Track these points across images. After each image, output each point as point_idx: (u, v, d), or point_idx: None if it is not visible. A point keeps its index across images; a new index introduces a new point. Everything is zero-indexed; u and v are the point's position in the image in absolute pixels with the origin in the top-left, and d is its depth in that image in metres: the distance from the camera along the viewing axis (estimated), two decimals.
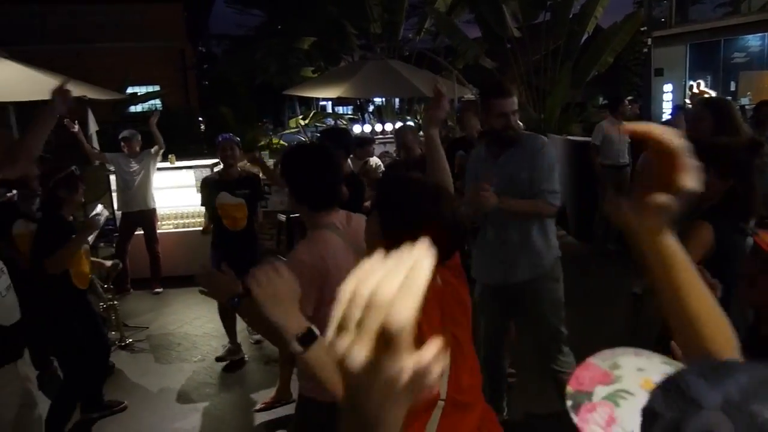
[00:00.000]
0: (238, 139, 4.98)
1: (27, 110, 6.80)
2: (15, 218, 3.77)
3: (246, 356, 4.83)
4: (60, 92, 2.50)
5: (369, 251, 1.59)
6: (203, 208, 6.82)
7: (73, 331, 3.47)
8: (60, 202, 3.49)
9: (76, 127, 5.88)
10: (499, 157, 2.98)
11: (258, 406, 4.01)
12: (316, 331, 1.34)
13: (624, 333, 4.95)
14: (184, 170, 6.90)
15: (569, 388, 0.79)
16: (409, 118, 10.72)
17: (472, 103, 5.12)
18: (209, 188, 4.82)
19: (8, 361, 2.42)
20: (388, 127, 8.55)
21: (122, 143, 6.25)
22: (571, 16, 9.83)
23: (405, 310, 0.50)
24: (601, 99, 13.44)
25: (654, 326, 4.66)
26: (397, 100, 13.18)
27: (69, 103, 2.55)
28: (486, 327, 3.24)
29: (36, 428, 2.65)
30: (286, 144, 10.50)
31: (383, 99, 13.21)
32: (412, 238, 1.42)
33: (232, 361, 4.73)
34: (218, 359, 4.74)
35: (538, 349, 3.30)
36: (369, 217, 1.60)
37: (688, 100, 9.21)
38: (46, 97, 5.78)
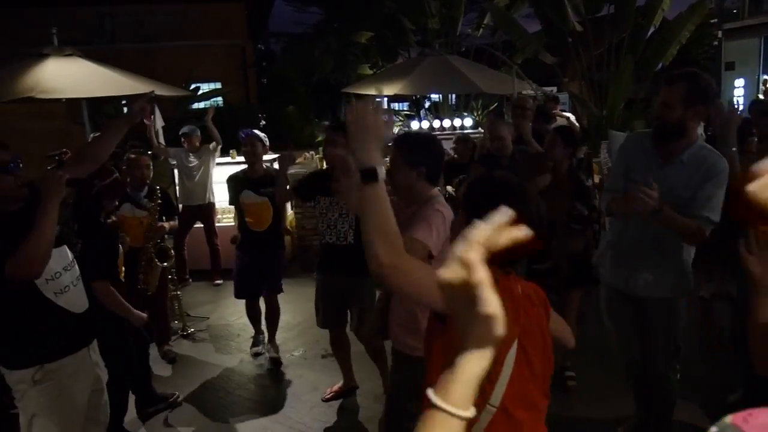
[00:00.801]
0: (264, 135, 4.87)
1: (98, 106, 7.11)
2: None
3: (302, 350, 4.90)
4: (140, 104, 2.65)
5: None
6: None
7: (114, 321, 3.50)
8: (101, 209, 3.45)
9: (153, 121, 6.13)
10: (667, 159, 2.67)
11: (326, 396, 4.07)
12: (381, 173, 1.42)
13: (692, 336, 4.75)
14: (244, 165, 7.03)
15: (730, 419, 0.69)
16: (466, 114, 10.61)
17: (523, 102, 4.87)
18: (234, 186, 4.72)
19: (80, 347, 2.53)
20: (446, 123, 8.48)
21: (182, 139, 6.44)
22: (636, 7, 9.50)
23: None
24: None
25: (723, 331, 4.48)
26: (453, 96, 13.07)
27: (145, 113, 2.68)
28: (617, 332, 3.09)
29: (104, 412, 2.77)
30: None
31: (440, 95, 13.12)
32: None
33: (291, 355, 4.81)
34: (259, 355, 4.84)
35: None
36: (456, 218, 1.59)
37: (762, 96, 8.74)
38: (116, 93, 5.99)
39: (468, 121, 8.81)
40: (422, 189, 2.39)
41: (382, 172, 1.43)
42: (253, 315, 4.79)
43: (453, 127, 8.43)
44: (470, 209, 1.57)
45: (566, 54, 9.97)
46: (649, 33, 9.76)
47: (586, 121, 9.23)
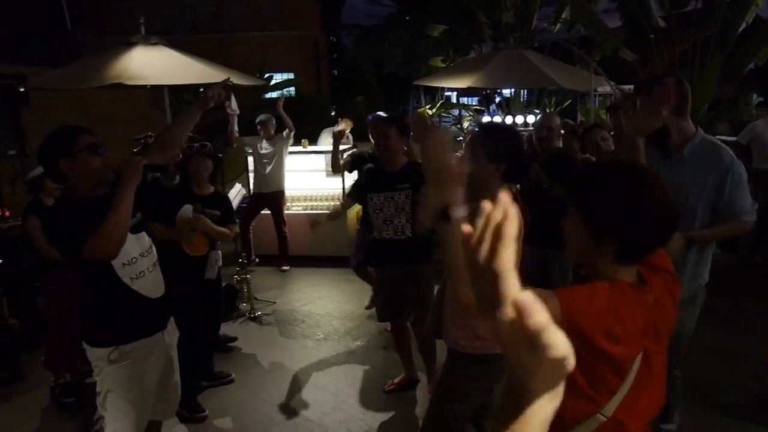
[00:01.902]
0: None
1: (178, 93, 7.37)
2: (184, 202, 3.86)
3: (365, 340, 4.94)
4: (215, 90, 2.70)
5: (583, 263, 1.53)
6: (332, 192, 7.09)
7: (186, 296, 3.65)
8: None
9: (235, 111, 6.34)
10: (668, 156, 2.68)
11: (387, 387, 4.10)
12: (454, 213, 1.36)
13: None
14: (315, 155, 7.17)
15: None
16: (538, 111, 10.38)
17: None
18: (361, 164, 4.85)
19: (155, 331, 2.63)
20: (518, 119, 8.31)
21: (258, 126, 6.63)
22: (726, 3, 8.98)
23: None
24: (755, 96, 12.20)
25: None
26: (525, 92, 12.79)
27: (219, 99, 2.72)
28: None
29: (174, 392, 2.87)
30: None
31: (511, 90, 12.88)
32: (628, 233, 1.36)
33: (353, 344, 4.86)
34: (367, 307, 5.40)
35: None
36: (566, 222, 1.48)
37: None
38: (196, 81, 6.16)
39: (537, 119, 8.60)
40: (496, 187, 2.33)
41: (458, 213, 1.37)
42: (366, 275, 5.29)
43: (525, 124, 8.26)
44: (585, 204, 1.43)
45: (648, 51, 9.55)
46: (740, 30, 9.21)
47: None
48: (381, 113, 5.05)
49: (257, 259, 6.78)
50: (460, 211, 1.37)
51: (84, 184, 2.41)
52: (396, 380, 4.13)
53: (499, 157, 2.28)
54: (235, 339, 4.92)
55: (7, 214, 4.99)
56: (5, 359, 4.59)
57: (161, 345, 2.67)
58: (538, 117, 5.23)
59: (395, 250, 3.73)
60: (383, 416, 3.81)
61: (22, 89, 5.99)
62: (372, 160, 4.68)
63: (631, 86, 10.20)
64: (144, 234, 2.61)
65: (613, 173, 1.44)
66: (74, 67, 6.07)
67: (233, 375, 4.29)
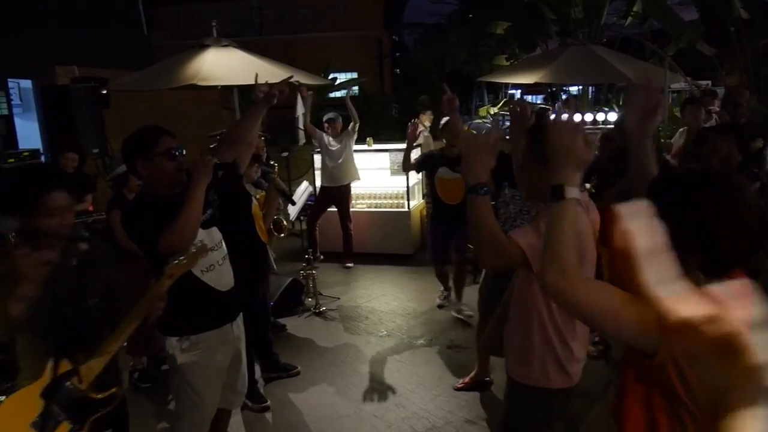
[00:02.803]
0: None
1: (246, 92, 7.58)
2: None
3: (429, 339, 4.94)
4: (278, 87, 2.77)
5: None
6: (397, 190, 7.13)
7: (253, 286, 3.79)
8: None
9: (301, 107, 6.54)
10: None
11: (458, 385, 4.11)
12: (568, 193, 1.41)
13: None
14: (380, 153, 7.22)
15: None
16: (606, 108, 10.05)
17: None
18: (432, 163, 5.14)
19: (225, 323, 2.72)
20: (588, 117, 8.08)
21: (326, 124, 6.76)
22: None
23: None
24: None
25: None
26: (591, 89, 12.43)
27: (283, 96, 2.79)
28: None
29: (242, 382, 2.96)
30: (474, 132, 10.44)
31: (579, 88, 12.54)
32: (714, 245, 1.28)
33: (417, 342, 4.88)
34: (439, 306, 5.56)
35: None
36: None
37: None
38: (264, 81, 6.30)
39: (612, 116, 8.32)
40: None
41: (570, 192, 1.40)
42: (441, 274, 5.44)
43: (595, 122, 8.02)
44: (670, 213, 1.31)
45: (727, 44, 9.10)
46: None
47: (744, 119, 8.38)
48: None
49: (322, 256, 6.90)
50: (574, 192, 1.39)
51: (158, 184, 2.52)
52: (466, 379, 4.14)
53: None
54: (284, 327, 5.15)
55: (90, 208, 5.27)
56: None
57: (230, 336, 2.76)
58: (620, 118, 5.03)
59: None
60: (446, 414, 3.80)
61: (104, 91, 6.33)
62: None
63: (708, 82, 9.77)
64: (215, 229, 2.70)
65: (701, 180, 1.36)
66: (151, 70, 6.35)
67: (299, 368, 4.38)
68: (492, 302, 3.91)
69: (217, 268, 2.64)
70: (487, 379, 4.10)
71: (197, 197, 2.42)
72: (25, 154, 5.93)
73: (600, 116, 8.24)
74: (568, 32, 11.67)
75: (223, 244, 2.74)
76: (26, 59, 7.45)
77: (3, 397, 2.14)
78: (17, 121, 7.36)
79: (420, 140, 6.89)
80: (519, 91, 17.67)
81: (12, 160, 5.80)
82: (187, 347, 2.58)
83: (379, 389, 4.15)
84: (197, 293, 2.58)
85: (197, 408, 2.65)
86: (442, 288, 5.58)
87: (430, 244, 5.43)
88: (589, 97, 12.42)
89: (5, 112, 6.97)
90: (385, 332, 5.11)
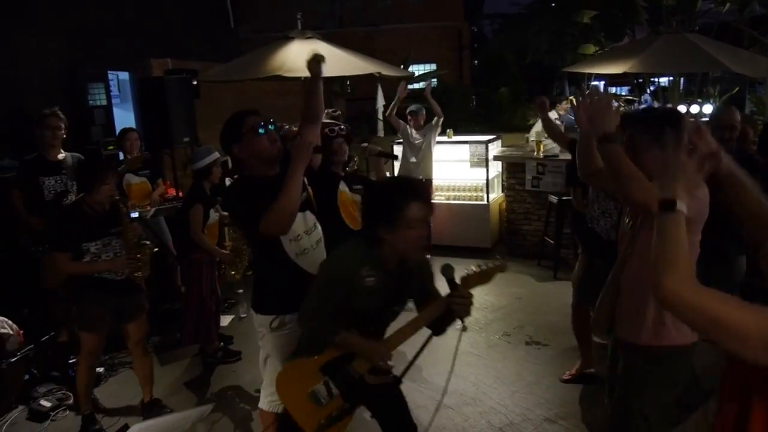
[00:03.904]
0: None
1: (327, 84, 7.70)
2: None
3: (506, 334, 4.87)
4: (312, 65, 2.75)
5: None
6: (476, 183, 7.04)
7: None
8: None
9: (405, 92, 6.57)
10: None
11: (564, 377, 4.08)
12: (680, 208, 1.40)
13: None
14: (459, 145, 7.15)
15: None
16: (700, 100, 9.49)
17: None
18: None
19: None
20: (680, 109, 7.65)
21: (408, 117, 6.73)
22: None
23: None
24: None
25: None
26: (683, 79, 11.76)
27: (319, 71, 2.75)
28: None
29: None
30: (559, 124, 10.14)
31: (669, 78, 11.90)
32: None
33: (495, 337, 4.81)
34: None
35: None
36: None
37: None
38: (348, 73, 6.30)
39: (708, 108, 7.85)
40: None
41: (682, 207, 1.39)
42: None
43: (688, 114, 7.59)
44: None
45: None
46: None
47: None
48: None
49: None
50: (683, 206, 1.38)
51: (256, 164, 2.56)
52: (572, 371, 4.10)
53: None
54: None
55: (180, 194, 5.53)
56: (177, 324, 5.12)
57: None
58: (715, 111, 4.64)
59: (601, 244, 3.66)
60: (524, 411, 3.74)
61: (194, 83, 6.59)
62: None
63: None
64: (309, 212, 2.74)
65: None
66: (240, 61, 6.57)
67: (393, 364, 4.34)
68: (586, 291, 3.85)
69: (310, 252, 2.68)
70: (592, 370, 4.03)
71: (296, 179, 2.45)
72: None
73: (694, 108, 7.78)
74: (660, 20, 11.08)
75: (318, 227, 2.78)
76: (124, 53, 7.87)
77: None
78: (115, 110, 7.82)
79: (538, 127, 6.73)
80: (603, 82, 17.01)
81: (111, 147, 6.15)
82: (277, 325, 2.64)
83: (455, 383, 4.11)
84: (290, 275, 2.62)
85: None
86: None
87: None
88: (681, 88, 11.77)
89: (104, 102, 7.40)
90: (462, 325, 5.05)
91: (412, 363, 2.41)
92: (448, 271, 2.25)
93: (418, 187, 2.29)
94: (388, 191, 2.24)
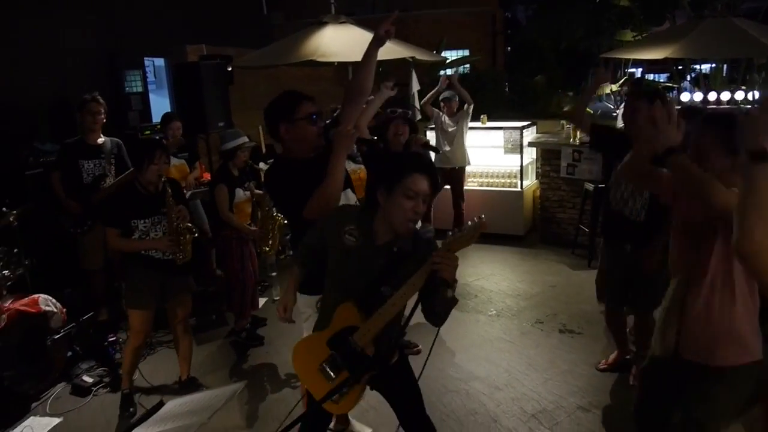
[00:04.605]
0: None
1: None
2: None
3: (540, 321, 4.82)
4: (384, 27, 2.71)
5: None
6: (510, 169, 6.98)
7: None
8: None
9: (416, 87, 6.58)
10: None
11: (600, 366, 4.05)
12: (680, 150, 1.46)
13: None
14: (493, 131, 7.07)
15: None
16: (744, 87, 9.17)
17: None
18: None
19: None
20: (724, 96, 7.40)
21: (442, 104, 6.67)
22: None
23: None
24: None
25: None
26: (726, 66, 11.37)
27: (389, 34, 2.72)
28: None
29: None
30: (591, 111, 9.94)
31: (711, 65, 11.53)
32: None
33: (528, 324, 4.77)
34: None
35: None
36: None
37: None
38: (381, 58, 6.34)
39: (753, 96, 7.57)
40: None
41: None
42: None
43: (733, 101, 7.34)
44: None
45: None
46: None
47: None
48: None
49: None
50: None
51: (299, 148, 2.63)
52: (609, 359, 4.07)
53: (735, 147, 2.13)
54: None
55: (205, 175, 5.61)
56: (213, 306, 5.22)
57: None
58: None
59: (626, 226, 3.59)
60: (557, 399, 3.71)
61: (229, 68, 6.64)
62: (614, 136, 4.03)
63: None
64: (349, 191, 2.78)
65: None
66: (274, 46, 6.59)
67: (419, 346, 4.25)
68: (615, 295, 3.81)
69: None
70: (628, 357, 4.01)
71: (339, 167, 2.50)
72: (159, 126, 6.38)
73: (738, 95, 7.53)
74: (703, 3, 10.73)
75: (358, 205, 2.81)
76: (160, 40, 7.99)
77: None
78: (151, 96, 7.96)
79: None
80: (641, 69, 16.57)
81: (148, 131, 6.27)
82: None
83: (488, 369, 4.11)
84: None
85: None
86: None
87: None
88: (724, 74, 11.39)
89: (141, 89, 7.54)
90: (495, 312, 5.04)
91: (433, 344, 2.43)
92: (426, 231, 2.24)
93: (428, 163, 2.29)
94: (397, 159, 2.30)
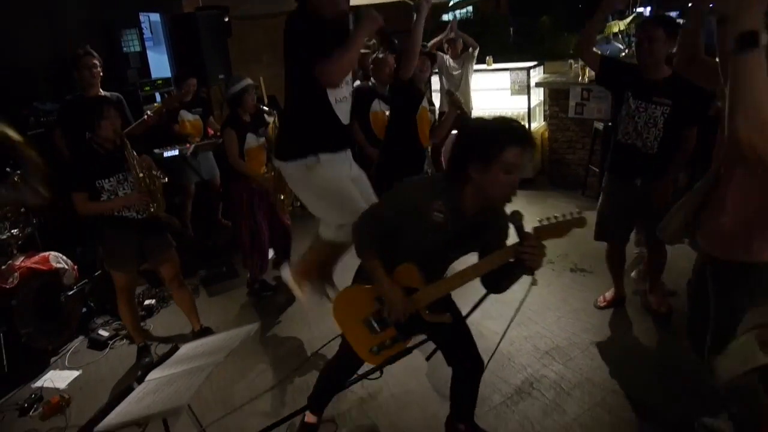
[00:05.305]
0: None
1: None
2: (372, 99, 4.63)
3: (551, 262, 4.81)
4: None
5: None
6: (517, 111, 6.84)
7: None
8: None
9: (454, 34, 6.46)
10: None
11: (600, 303, 4.06)
12: (763, 40, 1.25)
13: None
14: (500, 72, 6.91)
15: None
16: None
17: None
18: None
19: (345, 149, 2.81)
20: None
21: (446, 45, 6.52)
22: None
23: None
24: None
25: None
26: None
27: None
28: None
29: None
30: (599, 53, 9.68)
31: None
32: None
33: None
34: None
35: None
36: None
37: None
38: (380, 0, 6.13)
39: None
40: None
41: (764, 38, 1.25)
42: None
43: None
44: None
45: None
46: None
47: None
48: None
49: None
50: (765, 38, 1.23)
51: (326, 9, 2.55)
52: (607, 296, 4.08)
53: None
54: None
55: (209, 131, 5.54)
56: (223, 258, 5.23)
57: (351, 161, 2.88)
58: None
59: (637, 158, 3.50)
60: (571, 336, 3.73)
61: (226, 19, 6.49)
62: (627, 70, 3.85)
63: None
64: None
65: None
66: None
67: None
68: (615, 228, 3.77)
69: (347, 100, 2.75)
70: (624, 295, 4.07)
71: (359, 41, 2.53)
72: (159, 82, 6.28)
73: None
74: None
75: (349, 82, 2.77)
76: None
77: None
78: (149, 54, 7.80)
79: None
80: (649, 8, 16.12)
81: (147, 88, 6.17)
82: (313, 164, 2.67)
83: (500, 308, 4.06)
84: (327, 120, 2.67)
85: (344, 195, 2.76)
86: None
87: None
88: None
89: (138, 48, 7.38)
90: (532, 278, 5.01)
91: (478, 304, 2.48)
92: (516, 218, 2.09)
93: (525, 132, 2.10)
94: (491, 128, 2.04)
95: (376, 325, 2.34)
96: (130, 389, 2.05)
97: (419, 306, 2.25)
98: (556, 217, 2.07)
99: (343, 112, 2.74)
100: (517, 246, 2.06)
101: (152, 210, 3.51)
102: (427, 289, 2.24)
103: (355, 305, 2.36)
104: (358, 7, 3.23)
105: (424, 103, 3.92)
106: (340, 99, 2.69)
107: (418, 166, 3.97)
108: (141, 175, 3.44)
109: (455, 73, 6.43)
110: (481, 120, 2.19)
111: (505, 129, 2.04)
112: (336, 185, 2.74)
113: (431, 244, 2.22)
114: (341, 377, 2.68)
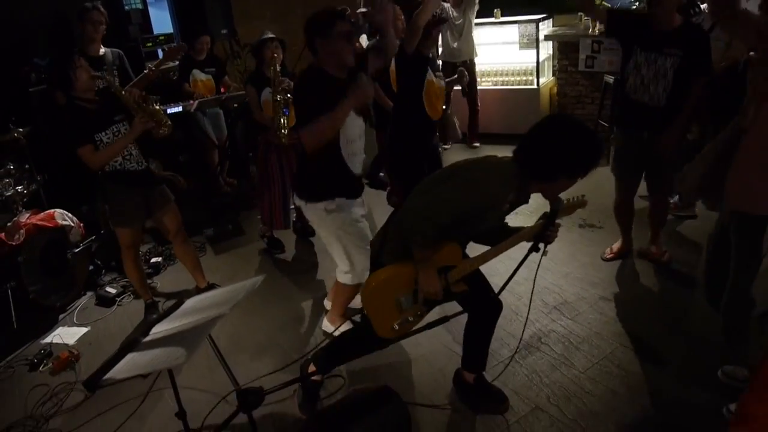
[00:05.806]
0: None
1: None
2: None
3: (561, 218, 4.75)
4: None
5: None
6: (526, 66, 6.70)
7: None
8: None
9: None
10: None
11: (606, 256, 4.07)
12: None
13: None
14: (507, 25, 6.73)
15: None
16: None
17: None
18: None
19: (358, 197, 3.07)
20: None
21: None
22: None
23: None
24: None
25: None
26: None
27: None
28: None
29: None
30: (608, 5, 9.41)
31: None
32: None
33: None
34: None
35: None
36: None
37: None
38: None
39: None
40: None
41: None
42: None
43: None
44: None
45: None
46: None
47: None
48: None
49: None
50: None
51: (331, 64, 2.73)
52: (614, 248, 4.08)
53: None
54: None
55: (222, 89, 5.44)
56: (229, 216, 5.22)
57: (360, 204, 3.10)
58: None
59: (645, 113, 3.45)
60: (579, 291, 3.72)
61: None
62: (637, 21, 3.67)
63: None
64: (361, 118, 2.90)
65: None
66: None
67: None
68: (628, 183, 3.77)
69: (358, 156, 2.95)
70: (631, 248, 4.07)
71: (344, 113, 2.65)
72: (161, 38, 6.17)
73: None
74: None
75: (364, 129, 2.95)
76: None
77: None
78: (151, 10, 7.65)
79: None
80: None
81: (150, 44, 6.07)
82: (332, 209, 2.91)
83: (508, 264, 4.03)
84: (340, 172, 2.89)
85: (359, 238, 3.00)
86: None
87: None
88: None
89: (140, 6, 7.24)
90: (544, 250, 4.97)
91: (508, 281, 2.58)
92: (560, 204, 2.34)
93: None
94: (593, 146, 2.19)
95: (404, 302, 2.38)
96: (137, 342, 2.05)
97: (451, 281, 2.36)
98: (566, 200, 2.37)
99: (356, 165, 2.94)
100: (546, 224, 2.34)
101: (165, 131, 3.43)
102: (464, 263, 2.37)
103: (392, 284, 2.37)
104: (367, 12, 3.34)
105: (430, 75, 3.84)
106: (354, 153, 2.91)
107: (428, 138, 4.04)
108: (135, 104, 3.38)
109: (457, 22, 6.24)
110: (583, 131, 2.20)
111: (598, 147, 2.22)
112: (351, 229, 2.98)
113: (486, 226, 2.37)
114: (357, 352, 2.81)
